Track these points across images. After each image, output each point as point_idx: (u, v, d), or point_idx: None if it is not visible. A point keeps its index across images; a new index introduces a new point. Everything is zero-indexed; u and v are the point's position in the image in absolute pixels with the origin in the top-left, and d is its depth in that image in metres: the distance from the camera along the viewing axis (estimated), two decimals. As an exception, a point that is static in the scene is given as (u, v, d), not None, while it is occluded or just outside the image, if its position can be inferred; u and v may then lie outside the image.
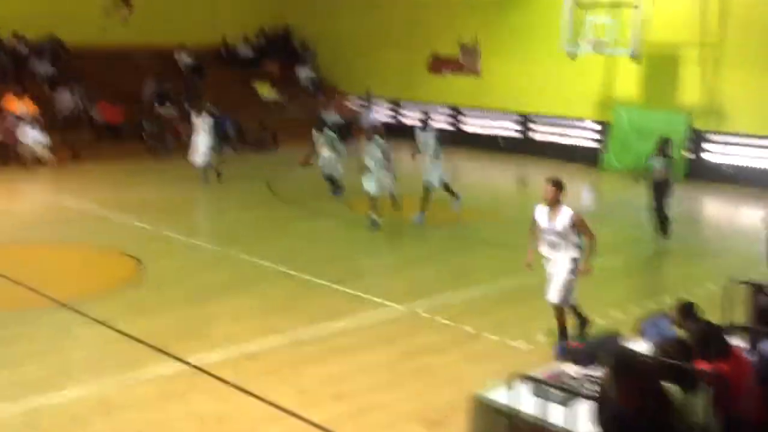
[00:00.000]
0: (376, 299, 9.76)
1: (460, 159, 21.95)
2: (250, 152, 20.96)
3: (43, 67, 21.11)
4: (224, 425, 6.59)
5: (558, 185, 7.91)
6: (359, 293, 9.95)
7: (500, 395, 4.93)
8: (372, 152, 13.24)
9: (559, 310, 8.11)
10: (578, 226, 7.86)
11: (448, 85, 23.37)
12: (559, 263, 7.98)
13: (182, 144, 20.56)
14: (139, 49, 22.85)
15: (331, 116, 23.79)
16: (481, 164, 21.11)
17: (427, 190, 13.76)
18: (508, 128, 22.48)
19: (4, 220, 13.85)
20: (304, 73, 25.68)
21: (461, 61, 22.96)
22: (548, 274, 8.11)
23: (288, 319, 9.05)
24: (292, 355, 8.03)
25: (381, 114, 25.28)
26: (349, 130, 23.63)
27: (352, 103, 25.13)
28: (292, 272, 10.82)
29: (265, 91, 24.29)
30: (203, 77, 23.33)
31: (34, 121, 18.64)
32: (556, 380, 5.14)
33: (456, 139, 23.18)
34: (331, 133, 15.86)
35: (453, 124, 23.75)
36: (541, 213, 8.02)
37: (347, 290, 10.12)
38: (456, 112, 23.58)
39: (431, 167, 13.75)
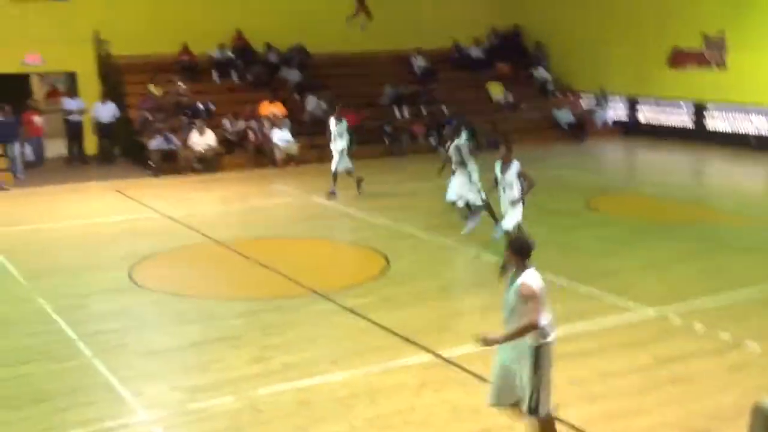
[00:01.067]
0: (623, 301, 9.51)
1: (703, 157, 20.81)
2: (483, 154, 21.12)
3: (292, 75, 22.74)
4: (479, 416, 6.74)
5: (513, 246, 5.73)
6: (605, 294, 9.75)
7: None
8: (508, 177, 10.84)
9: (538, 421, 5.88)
10: (523, 298, 5.64)
11: (689, 80, 22.13)
12: (511, 352, 5.85)
13: (418, 145, 21.32)
14: (377, 55, 23.98)
15: (564, 115, 23.48)
16: (728, 164, 19.82)
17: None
18: (759, 125, 20.89)
19: (262, 216, 15.09)
20: (538, 73, 25.46)
21: (706, 55, 21.65)
22: (498, 366, 5.99)
23: (533, 318, 9.07)
24: (540, 354, 8.04)
25: (617, 112, 24.54)
26: (583, 130, 23.18)
27: (586, 102, 24.55)
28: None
29: (498, 92, 24.37)
30: (436, 80, 23.91)
31: (284, 124, 20.15)
32: None
33: (700, 137, 22.02)
34: (464, 141, 12.56)
35: (695, 122, 22.51)
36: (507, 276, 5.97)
37: (592, 290, 9.96)
38: (699, 108, 22.29)
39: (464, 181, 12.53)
